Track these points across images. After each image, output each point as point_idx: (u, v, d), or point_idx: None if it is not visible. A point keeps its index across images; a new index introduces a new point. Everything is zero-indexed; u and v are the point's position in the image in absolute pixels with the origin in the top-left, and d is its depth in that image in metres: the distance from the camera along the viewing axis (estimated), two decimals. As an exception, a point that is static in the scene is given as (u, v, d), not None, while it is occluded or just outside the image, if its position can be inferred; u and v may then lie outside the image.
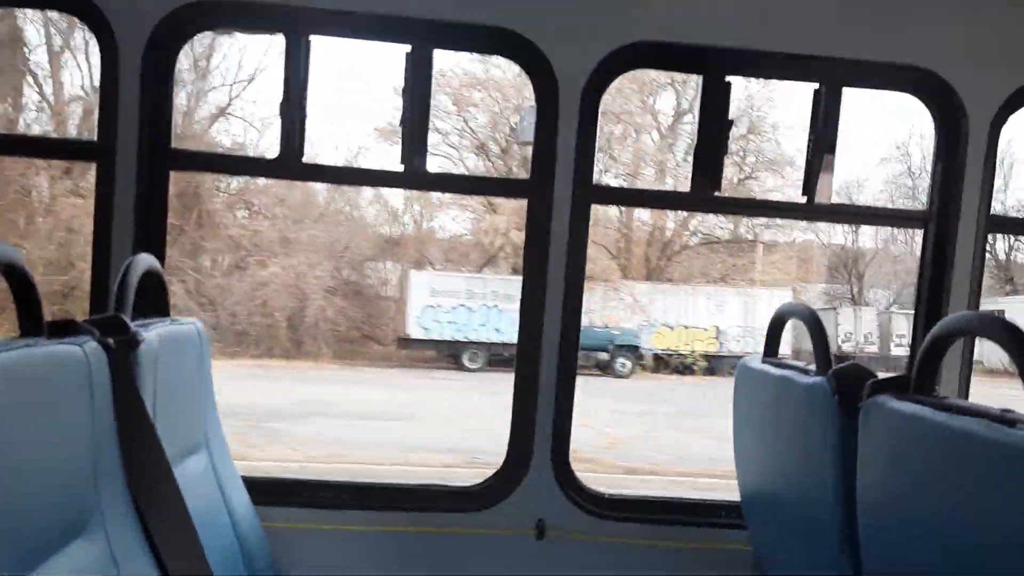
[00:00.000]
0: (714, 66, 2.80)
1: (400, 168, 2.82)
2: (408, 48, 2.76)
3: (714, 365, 31.19)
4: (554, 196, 2.79)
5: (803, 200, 2.91)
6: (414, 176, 2.83)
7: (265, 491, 2.59)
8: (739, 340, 31.95)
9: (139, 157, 2.70)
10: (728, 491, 2.83)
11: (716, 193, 2.86)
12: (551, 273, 2.82)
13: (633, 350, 29.06)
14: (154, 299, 2.08)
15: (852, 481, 1.79)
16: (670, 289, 32.68)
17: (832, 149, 2.84)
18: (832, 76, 2.82)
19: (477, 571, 2.85)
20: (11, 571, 1.19)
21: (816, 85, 2.85)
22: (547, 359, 2.84)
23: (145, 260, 1.96)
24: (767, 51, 2.79)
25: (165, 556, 1.60)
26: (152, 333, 1.79)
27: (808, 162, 2.90)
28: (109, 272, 2.70)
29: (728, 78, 2.80)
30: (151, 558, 1.58)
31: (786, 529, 2.23)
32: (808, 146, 2.88)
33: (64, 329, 1.45)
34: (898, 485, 1.61)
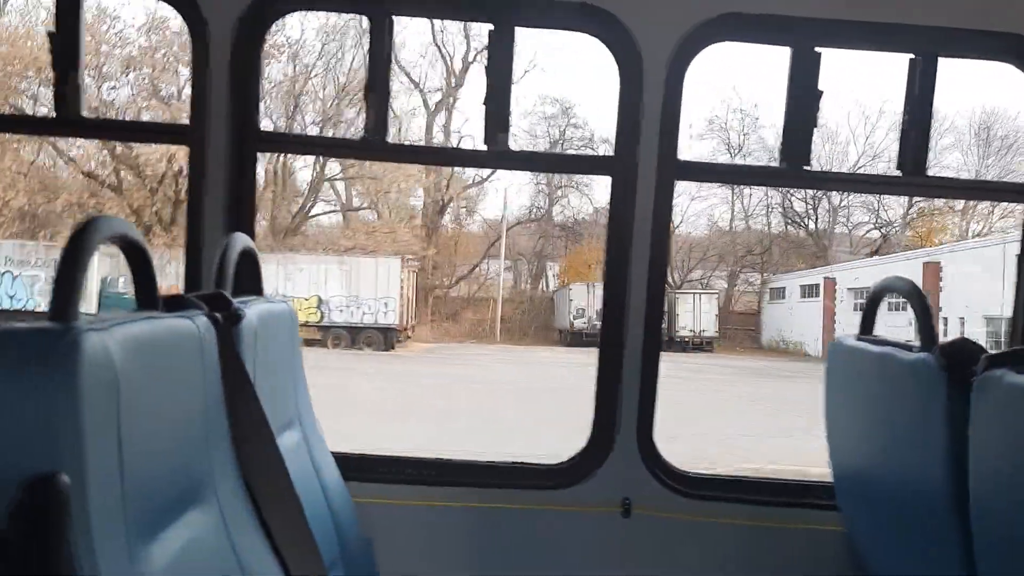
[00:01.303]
0: (803, 37, 2.70)
1: (483, 147, 2.82)
2: (490, 26, 2.74)
3: (319, 336, 30.81)
4: (638, 173, 2.75)
5: (898, 174, 2.79)
6: (498, 155, 2.84)
7: (354, 466, 2.63)
8: (342, 310, 31.72)
9: (229, 139, 2.76)
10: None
11: (806, 167, 2.76)
12: (636, 252, 2.78)
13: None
14: (248, 277, 2.13)
15: (963, 458, 1.73)
16: (269, 258, 31.04)
17: (928, 121, 2.71)
18: (927, 45, 2.68)
19: (563, 548, 2.85)
20: (139, 536, 1.23)
21: (910, 56, 2.72)
22: (631, 336, 2.81)
23: (241, 239, 2.01)
24: (858, 20, 2.68)
25: (272, 526, 1.65)
26: (251, 310, 1.83)
27: (903, 134, 2.76)
28: (201, 250, 2.79)
29: (817, 49, 2.69)
30: (260, 527, 1.63)
31: (885, 510, 2.17)
32: (903, 118, 2.75)
33: (176, 304, 1.51)
34: (1017, 462, 1.55)
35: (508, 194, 44.41)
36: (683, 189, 41.46)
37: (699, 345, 37.96)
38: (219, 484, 1.54)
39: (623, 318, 2.81)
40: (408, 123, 38.66)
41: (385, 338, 31.19)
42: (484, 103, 2.79)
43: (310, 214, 38.39)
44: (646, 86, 2.71)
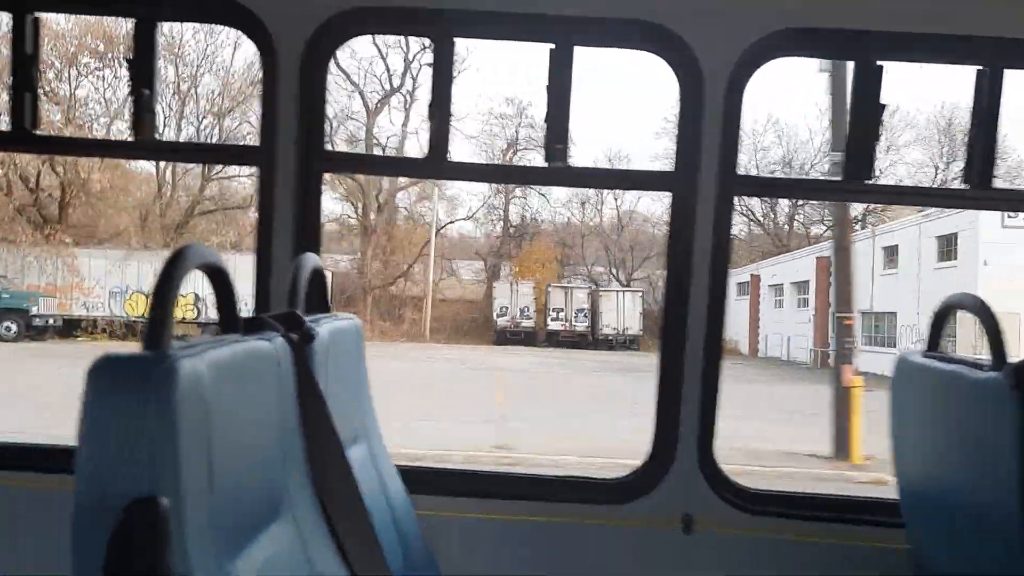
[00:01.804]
0: (866, 51, 2.73)
1: (543, 164, 2.83)
2: (551, 46, 2.76)
3: (195, 333, 31.10)
4: (698, 187, 2.78)
5: (965, 187, 2.84)
6: (558, 172, 2.85)
7: (417, 480, 2.62)
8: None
9: (297, 160, 2.79)
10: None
11: (867, 181, 2.80)
12: (696, 266, 2.81)
13: (22, 313, 29.24)
14: (316, 295, 2.14)
15: None
16: (148, 256, 32.45)
17: (994, 134, 2.77)
18: (993, 57, 2.74)
19: (622, 563, 2.86)
20: (227, 553, 1.28)
21: (977, 67, 2.77)
22: (691, 350, 2.83)
23: (311, 259, 2.03)
24: (922, 32, 2.72)
25: (343, 539, 1.68)
26: (322, 328, 1.86)
27: (969, 146, 2.82)
28: (271, 269, 2.83)
29: (880, 62, 2.73)
30: (332, 542, 1.66)
31: (954, 529, 2.18)
32: (970, 131, 2.81)
33: (255, 325, 1.57)
34: None
35: (456, 194, 45.17)
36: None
37: (623, 343, 38.57)
38: (295, 500, 1.59)
39: (683, 332, 2.83)
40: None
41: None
42: (545, 121, 2.81)
43: (194, 212, 38.61)
44: (707, 101, 2.74)
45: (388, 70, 42.87)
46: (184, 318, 31.46)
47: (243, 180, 38.14)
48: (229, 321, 1.50)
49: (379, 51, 40.74)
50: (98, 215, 35.51)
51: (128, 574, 1.07)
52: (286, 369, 1.59)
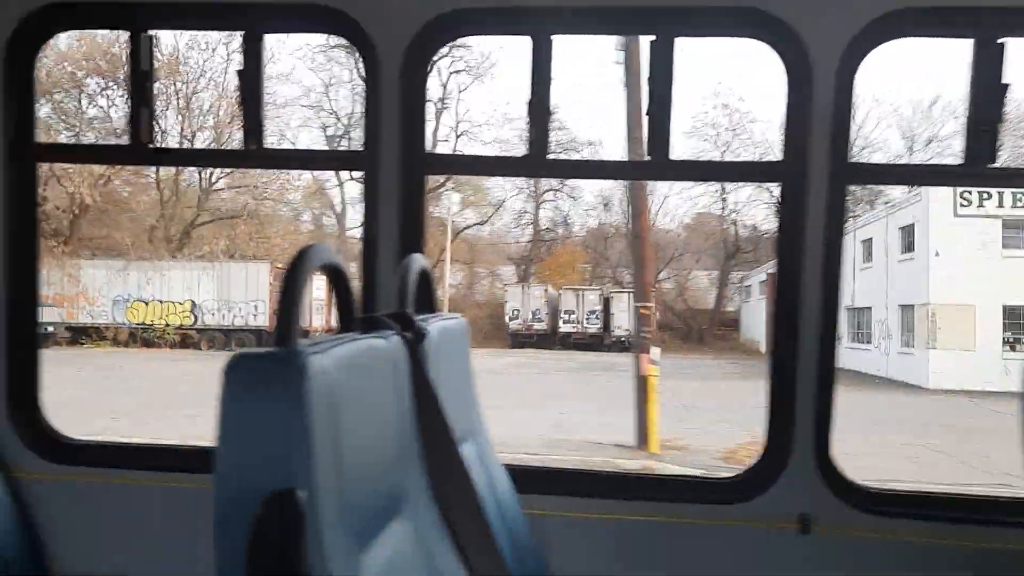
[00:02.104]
0: (984, 28, 2.64)
1: (646, 157, 2.77)
2: (652, 38, 2.72)
3: (193, 338, 33.22)
4: (808, 178, 2.70)
5: None
6: (662, 164, 2.78)
7: (526, 478, 2.59)
8: (214, 313, 33.88)
9: (400, 163, 2.84)
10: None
11: (990, 166, 2.69)
12: (808, 259, 2.73)
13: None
14: (423, 295, 2.14)
15: None
16: (146, 266, 34.05)
17: None
18: None
19: (738, 564, 2.79)
20: (357, 548, 1.30)
21: None
22: (805, 347, 2.75)
23: (419, 259, 2.03)
24: None
25: (460, 537, 1.69)
26: (432, 327, 1.88)
27: None
28: (376, 270, 2.87)
29: (1002, 40, 2.63)
30: (450, 540, 1.67)
31: None
32: None
33: (372, 324, 1.61)
34: None
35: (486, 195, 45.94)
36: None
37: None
38: (413, 496, 1.61)
39: (796, 328, 2.75)
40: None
41: (258, 339, 32.36)
42: (647, 114, 2.75)
43: (195, 223, 40.21)
44: (816, 89, 2.67)
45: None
46: (182, 324, 32.83)
47: (234, 189, 39.54)
48: (348, 319, 1.55)
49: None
50: (105, 227, 36.37)
51: (269, 566, 1.10)
52: (402, 367, 1.62)
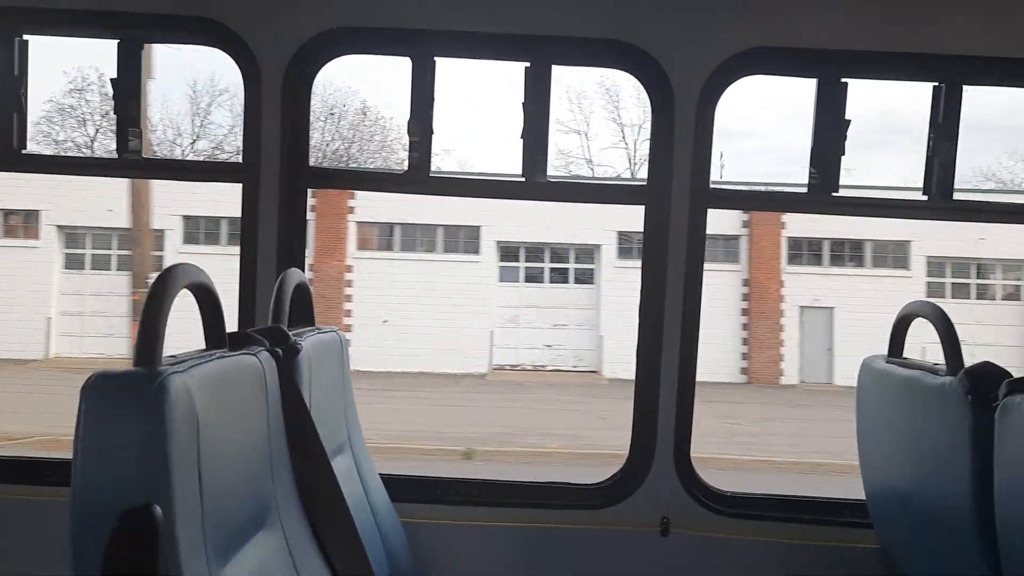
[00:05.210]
0: (830, 68, 2.83)
1: (521, 179, 2.92)
2: (527, 64, 2.86)
3: None
4: (671, 202, 2.87)
5: (924, 199, 2.93)
6: (534, 186, 2.93)
7: (401, 488, 2.70)
8: None
9: (280, 177, 2.86)
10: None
11: (834, 193, 2.88)
12: (670, 275, 2.89)
13: None
14: (300, 309, 2.21)
15: (989, 481, 1.81)
16: None
17: (954, 147, 2.86)
18: (952, 74, 2.83)
19: (603, 566, 2.92)
20: (217, 560, 1.33)
21: (935, 83, 2.86)
22: (667, 358, 2.91)
23: (296, 274, 2.09)
24: (883, 51, 2.81)
25: (329, 547, 1.75)
26: (306, 341, 1.92)
27: (928, 160, 2.92)
28: (255, 285, 2.89)
29: (844, 79, 2.83)
30: (318, 550, 1.73)
31: (917, 528, 2.25)
32: (928, 144, 2.91)
33: (241, 340, 1.62)
34: None
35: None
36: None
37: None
38: (282, 508, 1.64)
39: (659, 341, 2.91)
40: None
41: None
42: (521, 137, 2.90)
43: None
44: (677, 118, 2.83)
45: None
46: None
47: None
48: (215, 336, 1.55)
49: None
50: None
51: None
52: (272, 382, 1.64)
